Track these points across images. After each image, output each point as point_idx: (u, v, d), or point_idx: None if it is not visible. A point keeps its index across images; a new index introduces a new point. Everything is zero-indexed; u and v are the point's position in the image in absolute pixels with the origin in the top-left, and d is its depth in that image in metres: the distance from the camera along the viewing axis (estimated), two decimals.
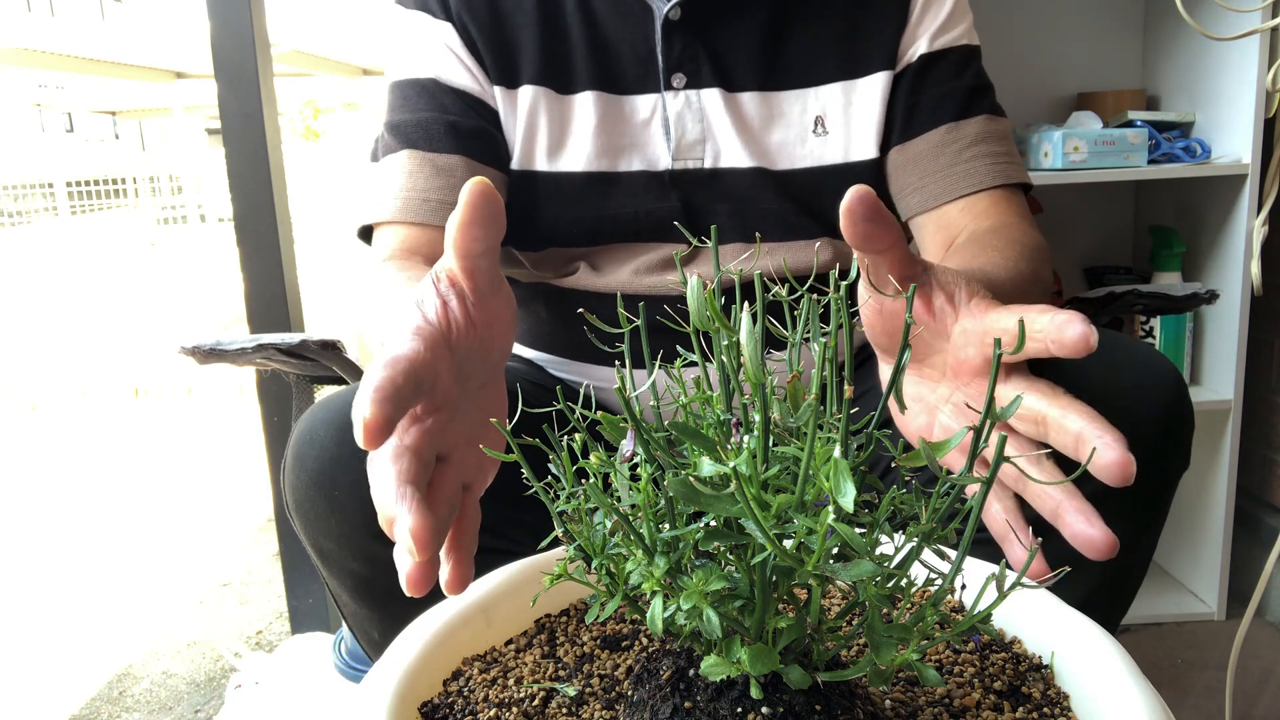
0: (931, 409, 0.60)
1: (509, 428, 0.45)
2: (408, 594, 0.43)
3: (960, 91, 0.93)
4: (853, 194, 0.49)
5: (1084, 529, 0.47)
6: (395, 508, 0.41)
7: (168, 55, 10.40)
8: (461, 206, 0.46)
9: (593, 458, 0.43)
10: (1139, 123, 1.60)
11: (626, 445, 0.43)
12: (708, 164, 0.94)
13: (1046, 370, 0.63)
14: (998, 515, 0.54)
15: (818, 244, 0.95)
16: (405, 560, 0.42)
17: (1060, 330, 0.48)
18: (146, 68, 10.45)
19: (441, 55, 0.93)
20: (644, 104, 0.94)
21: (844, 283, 0.45)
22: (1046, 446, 0.52)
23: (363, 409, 0.40)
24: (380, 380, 0.42)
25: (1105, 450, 0.46)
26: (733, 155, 0.94)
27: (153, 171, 13.51)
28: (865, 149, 0.94)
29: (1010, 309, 0.53)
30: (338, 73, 10.61)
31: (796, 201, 0.95)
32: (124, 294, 6.63)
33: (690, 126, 0.94)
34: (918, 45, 0.93)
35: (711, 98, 0.93)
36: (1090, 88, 1.79)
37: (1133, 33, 1.81)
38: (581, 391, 0.48)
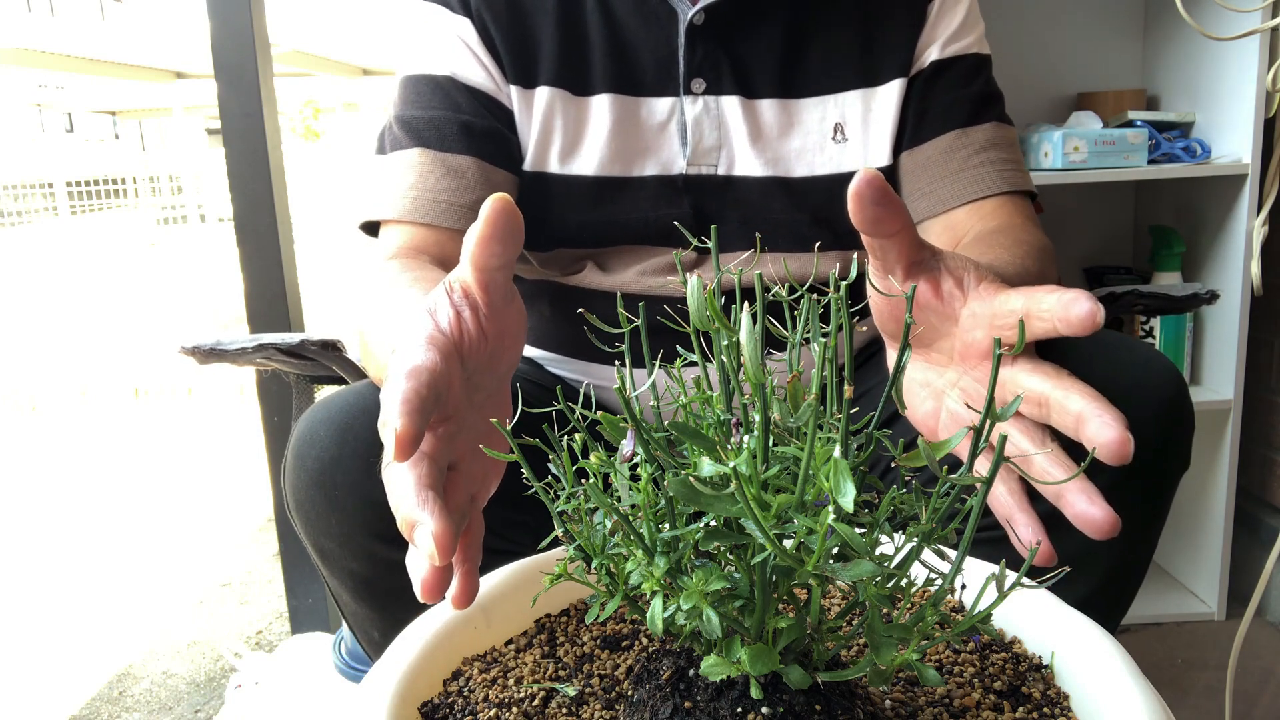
0: (939, 394, 0.60)
1: (509, 428, 0.45)
2: (421, 600, 0.42)
3: (970, 98, 0.93)
4: (861, 177, 0.49)
5: (1085, 508, 0.47)
6: (417, 512, 0.41)
7: (168, 55, 10.40)
8: (482, 221, 0.46)
9: (593, 458, 0.43)
10: (1139, 123, 1.60)
11: (626, 445, 0.43)
12: (721, 171, 0.94)
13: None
14: (1002, 498, 0.54)
15: (823, 253, 0.95)
16: (422, 565, 0.42)
17: (1067, 309, 0.48)
18: (146, 68, 10.45)
19: (458, 51, 0.92)
20: (661, 107, 0.94)
21: (844, 283, 0.45)
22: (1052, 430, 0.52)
23: (394, 421, 0.40)
24: (406, 392, 0.42)
25: (1104, 429, 0.46)
26: (747, 163, 0.94)
27: (153, 171, 13.51)
28: (882, 155, 0.94)
29: (1018, 290, 0.53)
30: (338, 73, 10.61)
31: (808, 211, 0.95)
32: (124, 294, 6.63)
33: (708, 132, 0.93)
34: (930, 52, 0.94)
35: (730, 104, 0.93)
36: (1090, 88, 1.79)
37: (1133, 33, 1.80)
38: (581, 391, 0.48)
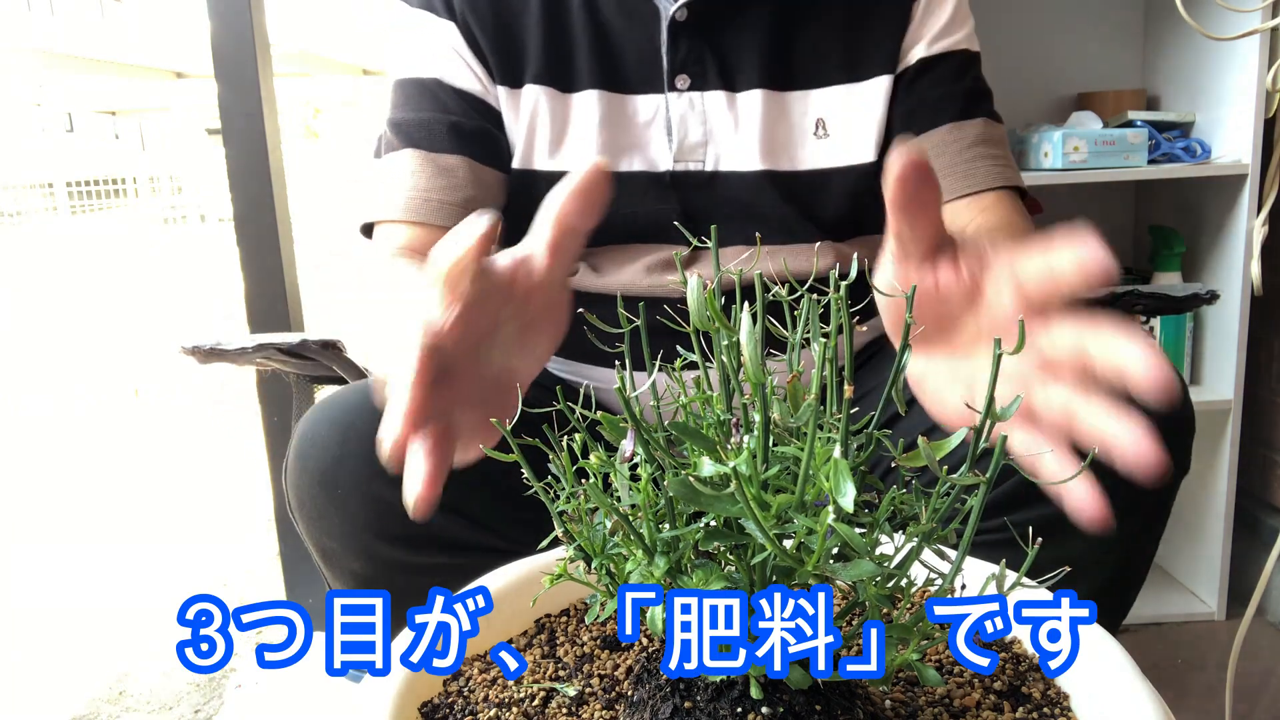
0: (970, 381, 0.54)
1: (509, 427, 0.45)
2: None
3: (960, 94, 0.93)
4: (904, 159, 0.47)
5: (1130, 450, 0.42)
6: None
7: (168, 55, 10.40)
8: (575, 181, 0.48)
9: (593, 458, 0.43)
10: (1139, 123, 1.60)
11: (626, 445, 0.43)
12: (709, 166, 0.94)
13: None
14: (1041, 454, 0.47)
15: (817, 246, 0.95)
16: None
17: (1082, 265, 0.44)
18: (146, 68, 10.45)
19: (445, 55, 0.93)
20: (646, 104, 0.94)
21: (844, 283, 0.45)
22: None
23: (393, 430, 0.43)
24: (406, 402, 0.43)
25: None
26: (734, 158, 0.94)
27: (153, 171, 13.48)
28: (865, 152, 0.94)
29: (1036, 248, 0.48)
30: (338, 73, 10.61)
31: (796, 204, 0.95)
32: (124, 294, 6.63)
33: (693, 128, 0.94)
34: (917, 49, 0.94)
35: (715, 100, 0.93)
36: (1090, 88, 1.79)
37: (1133, 33, 1.80)
38: (581, 391, 0.48)
